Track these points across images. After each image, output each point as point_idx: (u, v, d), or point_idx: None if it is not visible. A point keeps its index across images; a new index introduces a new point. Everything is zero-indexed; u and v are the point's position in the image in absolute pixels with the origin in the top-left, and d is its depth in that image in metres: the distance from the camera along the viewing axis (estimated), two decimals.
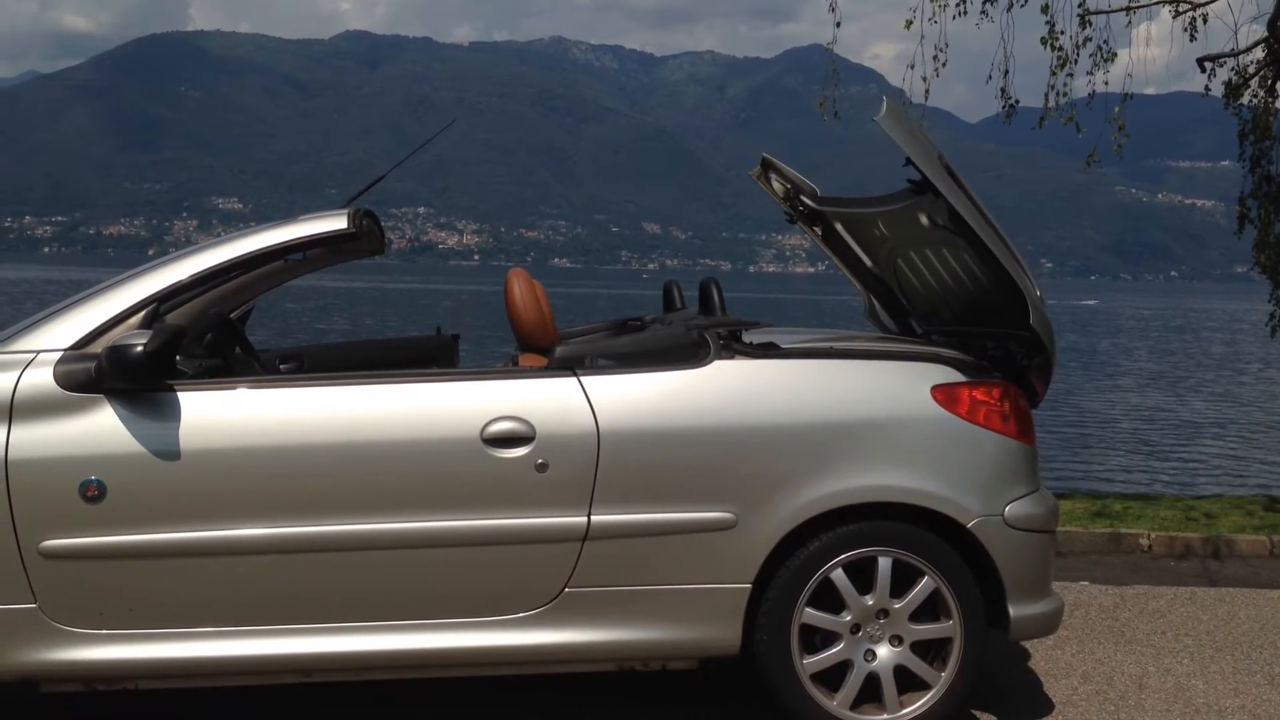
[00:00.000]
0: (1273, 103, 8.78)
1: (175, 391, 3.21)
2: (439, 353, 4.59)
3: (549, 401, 3.33)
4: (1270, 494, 9.49)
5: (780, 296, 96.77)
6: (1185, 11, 8.72)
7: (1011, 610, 3.51)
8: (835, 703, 3.44)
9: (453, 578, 3.28)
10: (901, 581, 3.46)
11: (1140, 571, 6.02)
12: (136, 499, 3.14)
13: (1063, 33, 8.24)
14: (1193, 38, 8.69)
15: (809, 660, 3.44)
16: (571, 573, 3.30)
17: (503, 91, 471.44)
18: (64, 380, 3.17)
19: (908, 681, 3.50)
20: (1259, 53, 8.64)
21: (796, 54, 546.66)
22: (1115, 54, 8.57)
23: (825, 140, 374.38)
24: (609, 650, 3.38)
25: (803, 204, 4.29)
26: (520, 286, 3.98)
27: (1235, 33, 8.76)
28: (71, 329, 3.28)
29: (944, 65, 8.31)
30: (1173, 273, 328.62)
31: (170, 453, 3.15)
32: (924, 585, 3.46)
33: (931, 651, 3.53)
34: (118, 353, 3.08)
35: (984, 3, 8.37)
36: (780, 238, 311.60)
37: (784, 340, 3.68)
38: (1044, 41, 8.19)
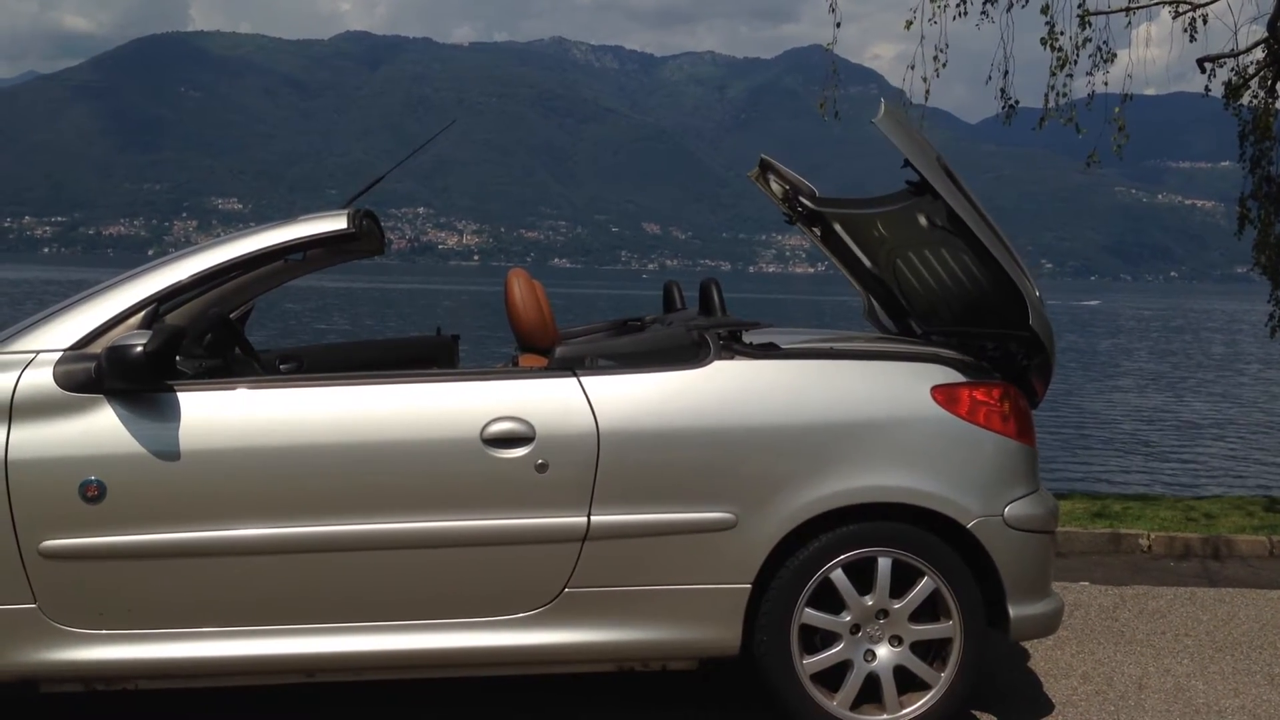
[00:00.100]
0: (1273, 103, 8.77)
1: (175, 392, 3.21)
2: (439, 353, 4.59)
3: (549, 402, 3.33)
4: (1270, 494, 9.49)
5: (780, 297, 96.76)
6: (1185, 12, 8.72)
7: (1011, 611, 3.51)
8: (835, 703, 3.44)
9: (453, 578, 3.28)
10: (901, 582, 3.46)
11: (1140, 572, 6.02)
12: (136, 499, 3.14)
13: (1062, 33, 8.25)
14: (1193, 38, 8.69)
15: (809, 660, 3.44)
16: (571, 573, 3.30)
17: (503, 92, 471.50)
18: (64, 380, 3.17)
19: (907, 682, 3.50)
20: (1259, 53, 8.64)
21: (797, 54, 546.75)
22: (1115, 54, 8.58)
23: (825, 141, 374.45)
24: (609, 650, 3.38)
25: (801, 205, 4.29)
26: (520, 287, 3.98)
27: (1235, 33, 8.77)
28: (71, 329, 3.28)
29: (944, 66, 8.31)
30: (1173, 273, 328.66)
31: (170, 453, 3.15)
32: (924, 586, 3.46)
33: (931, 652, 3.53)
34: (117, 353, 3.08)
35: (984, 3, 8.38)
36: (780, 238, 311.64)
37: (784, 341, 3.68)
38: (1044, 42, 8.20)
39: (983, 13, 8.41)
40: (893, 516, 3.46)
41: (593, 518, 3.29)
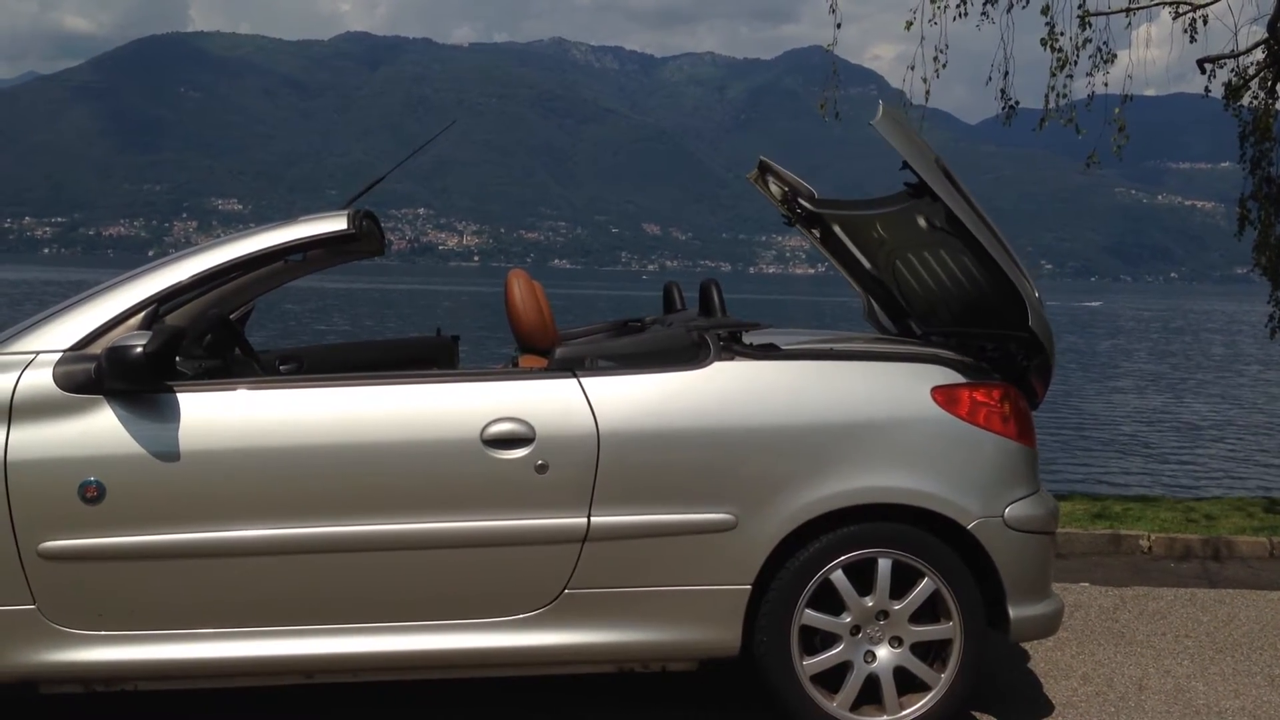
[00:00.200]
0: (1273, 104, 8.77)
1: (175, 392, 3.21)
2: (439, 354, 4.59)
3: (549, 403, 3.33)
4: (1270, 495, 9.48)
5: (780, 298, 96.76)
6: (1185, 13, 8.72)
7: (1011, 611, 3.51)
8: (835, 704, 3.44)
9: (453, 579, 3.28)
10: (901, 583, 3.46)
11: (1140, 573, 6.02)
12: (136, 500, 3.14)
13: (1062, 34, 8.25)
14: (1193, 39, 8.69)
15: (809, 661, 3.44)
16: (571, 574, 3.30)
17: (503, 93, 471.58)
18: (63, 381, 3.17)
19: (907, 683, 3.50)
20: (1259, 54, 8.64)
21: (797, 55, 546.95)
22: (1115, 55, 8.57)
23: (825, 142, 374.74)
24: (609, 651, 3.38)
25: (800, 207, 4.29)
26: (520, 287, 3.98)
27: (1235, 34, 8.76)
28: (71, 330, 3.27)
29: (944, 67, 8.30)
30: (1172, 274, 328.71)
31: (170, 454, 3.15)
32: (924, 586, 3.46)
33: (931, 653, 3.53)
34: (117, 354, 3.08)
35: (984, 4, 8.37)
36: (780, 239, 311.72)
37: (784, 341, 3.68)
38: (1044, 43, 8.19)
39: (983, 13, 8.41)
40: (893, 517, 3.46)
41: (593, 519, 3.29)
